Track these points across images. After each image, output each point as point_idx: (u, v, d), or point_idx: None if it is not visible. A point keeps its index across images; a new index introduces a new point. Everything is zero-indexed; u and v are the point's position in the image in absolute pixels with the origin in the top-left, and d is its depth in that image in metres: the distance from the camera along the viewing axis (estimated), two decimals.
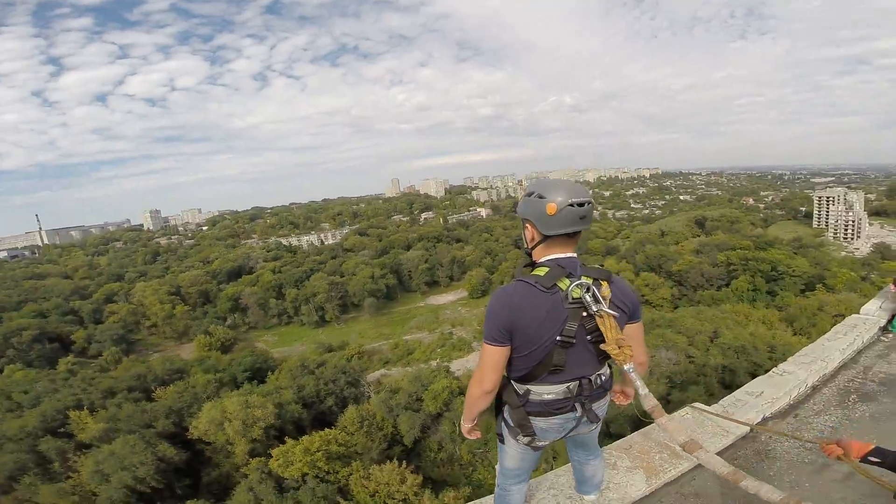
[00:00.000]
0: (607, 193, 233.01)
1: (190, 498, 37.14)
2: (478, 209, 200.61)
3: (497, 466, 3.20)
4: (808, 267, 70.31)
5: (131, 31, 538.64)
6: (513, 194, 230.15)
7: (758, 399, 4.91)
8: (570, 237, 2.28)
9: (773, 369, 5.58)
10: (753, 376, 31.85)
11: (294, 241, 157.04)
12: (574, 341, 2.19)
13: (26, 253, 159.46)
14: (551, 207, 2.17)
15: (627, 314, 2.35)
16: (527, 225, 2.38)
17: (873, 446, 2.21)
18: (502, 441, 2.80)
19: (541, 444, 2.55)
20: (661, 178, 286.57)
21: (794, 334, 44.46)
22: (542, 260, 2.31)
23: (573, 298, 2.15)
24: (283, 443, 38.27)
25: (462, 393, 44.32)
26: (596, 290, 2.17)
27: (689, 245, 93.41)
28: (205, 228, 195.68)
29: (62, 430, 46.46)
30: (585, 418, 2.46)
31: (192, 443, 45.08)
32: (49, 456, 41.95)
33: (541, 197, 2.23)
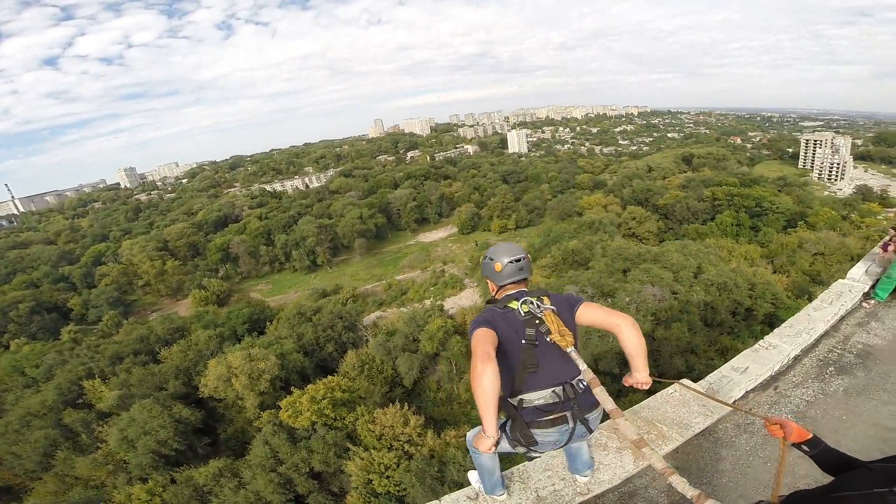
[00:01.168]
0: (595, 130, 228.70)
1: (211, 457, 38.83)
2: (465, 146, 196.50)
3: (481, 480, 3.82)
4: (791, 204, 70.40)
5: None
6: (499, 130, 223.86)
7: (742, 375, 5.10)
8: (517, 282, 3.10)
9: (759, 342, 5.65)
10: (734, 314, 36.81)
11: (278, 186, 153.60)
12: (537, 343, 2.73)
13: (3, 223, 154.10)
14: (498, 266, 3.08)
15: (568, 307, 2.98)
16: (487, 280, 3.23)
17: (811, 435, 2.33)
18: (498, 445, 2.71)
19: (536, 455, 3.11)
20: (650, 116, 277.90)
21: (774, 272, 44.42)
22: (500, 297, 3.05)
23: (524, 312, 2.82)
24: (290, 393, 39.42)
25: (457, 332, 45.10)
26: (538, 302, 2.87)
27: (675, 180, 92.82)
28: (184, 181, 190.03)
29: (80, 401, 47.89)
30: (582, 429, 2.82)
31: (204, 401, 46.31)
32: (75, 428, 43.33)
33: (491, 259, 3.14)
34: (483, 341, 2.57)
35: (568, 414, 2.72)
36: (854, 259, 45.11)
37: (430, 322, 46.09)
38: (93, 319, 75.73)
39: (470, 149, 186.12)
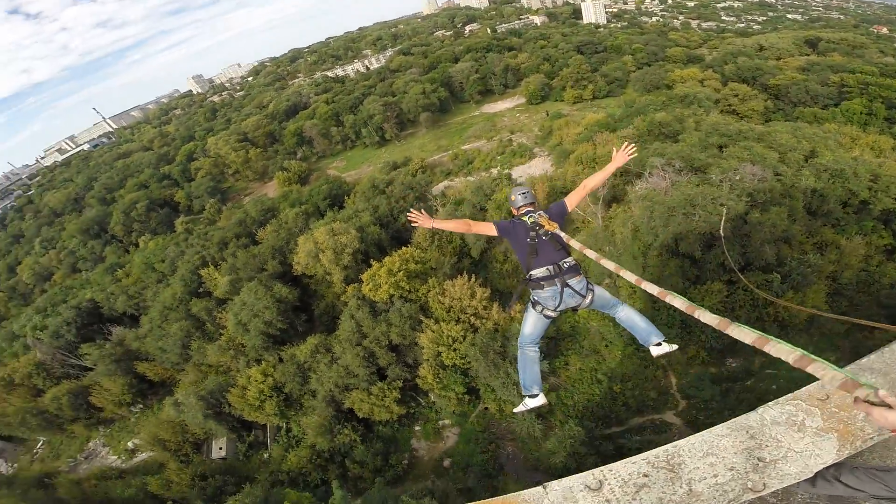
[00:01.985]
0: (692, 3, 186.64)
1: (308, 333, 42.89)
2: (530, 17, 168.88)
3: (519, 337, 4.99)
4: None
5: None
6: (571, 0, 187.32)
7: None
8: (526, 205, 5.12)
9: None
10: (845, 205, 29.72)
11: (339, 72, 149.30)
12: (537, 240, 4.55)
13: (103, 140, 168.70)
14: (513, 197, 5.18)
15: (557, 211, 4.99)
16: (510, 209, 5.29)
17: None
18: (527, 311, 4.78)
19: (548, 313, 4.62)
20: None
21: None
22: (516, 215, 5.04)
23: (529, 223, 4.69)
24: (370, 266, 41.21)
25: None
26: (536, 215, 4.73)
27: (793, 62, 74.48)
28: (250, 79, 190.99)
29: (201, 290, 53.36)
30: (568, 290, 4.45)
31: (298, 279, 50.12)
32: (201, 317, 48.63)
33: (509, 196, 5.24)
34: (483, 225, 4.96)
35: (556, 280, 4.44)
36: None
37: (498, 191, 43.89)
38: (197, 209, 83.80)
39: (537, 20, 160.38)
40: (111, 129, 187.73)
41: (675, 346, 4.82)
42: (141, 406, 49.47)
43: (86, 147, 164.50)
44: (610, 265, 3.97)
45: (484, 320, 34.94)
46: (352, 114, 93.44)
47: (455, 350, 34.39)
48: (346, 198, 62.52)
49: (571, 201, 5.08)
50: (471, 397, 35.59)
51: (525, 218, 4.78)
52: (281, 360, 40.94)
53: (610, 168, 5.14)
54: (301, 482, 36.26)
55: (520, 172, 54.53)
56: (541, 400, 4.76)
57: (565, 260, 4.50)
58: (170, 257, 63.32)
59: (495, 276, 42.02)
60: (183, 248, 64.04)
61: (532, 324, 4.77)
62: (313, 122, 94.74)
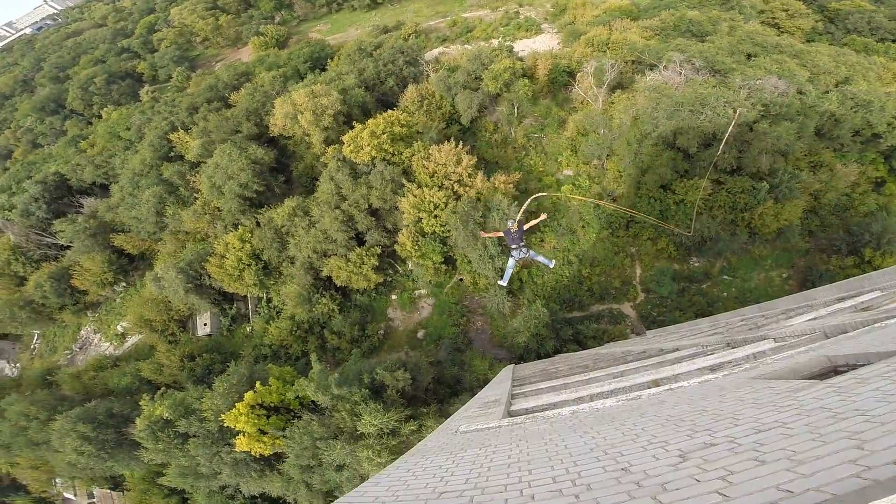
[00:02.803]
0: None
1: (286, 196, 40.88)
2: None
3: (506, 271, 17.45)
4: None
5: None
6: None
7: None
8: (514, 224, 16.59)
9: None
10: (855, 134, 33.08)
11: None
12: (517, 234, 16.21)
13: (48, 22, 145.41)
14: (508, 224, 16.76)
15: (520, 229, 16.49)
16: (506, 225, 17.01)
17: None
18: (510, 260, 17.04)
19: (517, 259, 16.61)
20: None
21: None
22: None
23: (514, 229, 16.35)
24: (352, 128, 38.20)
25: (525, 75, 39.58)
26: (514, 223, 16.50)
27: None
28: None
29: (171, 154, 50.28)
30: (524, 250, 16.33)
31: (275, 140, 47.25)
32: (173, 181, 46.19)
33: (506, 223, 17.31)
34: (497, 232, 19.69)
35: (523, 248, 16.23)
36: None
37: (497, 61, 39.74)
38: (164, 78, 75.67)
39: None
40: (56, 11, 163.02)
41: (552, 263, 17.31)
42: (124, 284, 48.77)
43: (28, 31, 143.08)
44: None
45: (468, 188, 33.26)
46: None
47: (436, 217, 33.12)
48: (328, 61, 57.00)
49: (521, 227, 16.24)
50: (447, 268, 35.22)
51: (512, 227, 16.01)
52: (258, 224, 39.53)
53: (531, 223, 17.56)
54: (283, 355, 37.09)
55: (522, 46, 49.36)
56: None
57: (523, 242, 16.13)
58: (136, 125, 58.75)
59: (483, 144, 39.65)
60: (150, 116, 59.12)
61: (511, 265, 16.98)
62: None
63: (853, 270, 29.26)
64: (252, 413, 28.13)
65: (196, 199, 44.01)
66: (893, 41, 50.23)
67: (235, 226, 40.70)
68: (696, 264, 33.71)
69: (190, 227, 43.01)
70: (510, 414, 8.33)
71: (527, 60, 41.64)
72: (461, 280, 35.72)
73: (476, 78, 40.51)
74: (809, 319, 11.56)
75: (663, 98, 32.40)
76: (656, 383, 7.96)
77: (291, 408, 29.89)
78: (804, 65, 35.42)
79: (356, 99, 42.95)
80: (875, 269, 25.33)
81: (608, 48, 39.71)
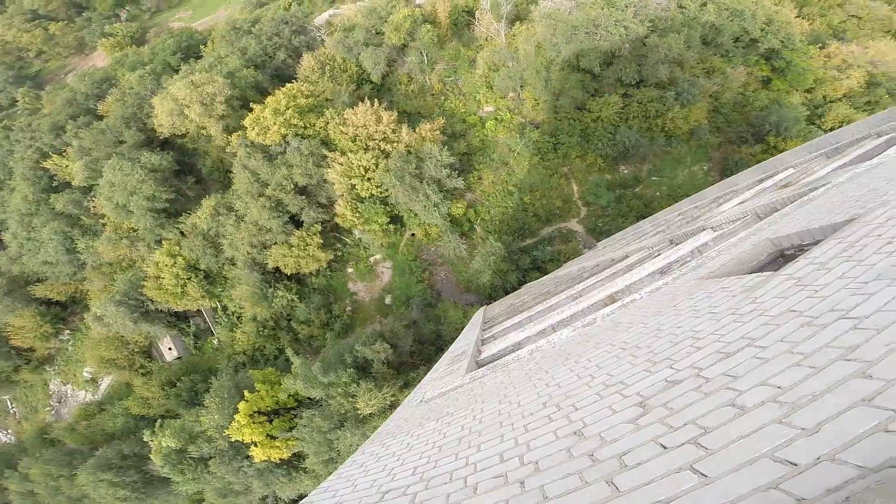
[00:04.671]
0: None
1: (203, 196, 36.43)
2: None
3: None
4: None
5: None
6: None
7: None
8: None
9: None
10: (736, 40, 36.05)
11: None
12: None
13: None
14: None
15: None
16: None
17: None
18: None
19: None
20: None
21: (799, 16, 38.53)
22: None
23: None
24: (251, 111, 34.04)
25: (427, 21, 37.45)
26: None
27: None
28: None
29: (56, 183, 43.30)
30: None
31: (169, 142, 41.29)
32: (71, 213, 40.15)
33: None
34: None
35: None
36: (890, 33, 39.49)
37: (395, 12, 37.04)
38: (7, 104, 62.87)
39: None
40: None
41: None
42: (68, 332, 44.30)
43: None
44: None
45: (395, 144, 31.07)
46: None
47: (369, 180, 30.66)
48: (202, 48, 50.04)
49: None
50: (396, 226, 33.17)
51: None
52: (183, 234, 35.27)
53: None
54: (259, 358, 34.99)
55: None
56: None
57: None
58: None
59: (401, 98, 37.11)
60: (9, 147, 49.81)
61: None
62: None
63: (763, 156, 31.60)
64: (253, 422, 27.19)
65: (104, 225, 38.95)
66: None
67: (159, 242, 36.22)
68: (626, 171, 34.79)
69: (110, 256, 38.17)
70: (478, 364, 7.72)
71: (425, 7, 39.52)
72: (413, 235, 33.91)
73: (377, 33, 37.59)
74: (739, 203, 11.50)
75: (559, 24, 32.46)
76: (612, 299, 7.30)
77: (289, 406, 28.90)
78: None
79: (246, 80, 38.20)
80: (781, 153, 27.71)
81: None
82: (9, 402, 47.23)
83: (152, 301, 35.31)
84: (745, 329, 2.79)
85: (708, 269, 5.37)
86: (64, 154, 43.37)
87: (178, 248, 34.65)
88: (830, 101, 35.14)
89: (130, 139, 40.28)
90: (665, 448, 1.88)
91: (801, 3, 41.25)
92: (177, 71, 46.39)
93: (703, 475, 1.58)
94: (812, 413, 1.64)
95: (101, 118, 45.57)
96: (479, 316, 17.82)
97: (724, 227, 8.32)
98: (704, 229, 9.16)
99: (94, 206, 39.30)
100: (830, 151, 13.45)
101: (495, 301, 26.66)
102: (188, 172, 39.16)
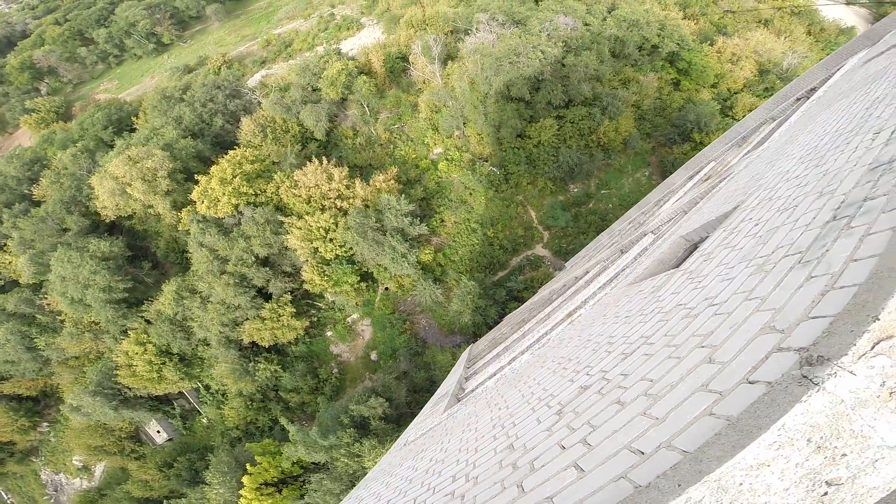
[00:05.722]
0: None
1: (162, 281, 34.54)
2: None
3: None
4: None
5: None
6: None
7: None
8: None
9: None
10: (640, 49, 38.46)
11: None
12: None
13: None
14: None
15: None
16: None
17: None
18: None
19: None
20: None
21: (685, 18, 41.41)
22: None
23: None
24: (197, 182, 32.45)
25: (363, 72, 37.10)
26: None
27: None
28: None
29: (1, 283, 40.44)
30: None
31: (116, 225, 39.04)
32: (24, 312, 37.43)
33: None
34: None
35: None
36: (762, 22, 42.89)
37: (329, 67, 36.34)
38: None
39: None
40: None
41: None
42: (46, 424, 41.97)
43: None
44: None
45: (351, 200, 30.40)
46: (103, 27, 66.94)
47: (331, 240, 29.81)
48: (133, 119, 47.15)
49: None
50: (367, 283, 32.43)
51: None
52: (148, 321, 33.45)
53: None
54: (254, 430, 33.71)
55: (350, 45, 45.94)
56: None
57: None
58: None
59: (349, 152, 36.26)
60: None
61: None
62: (45, 49, 66.62)
63: (692, 153, 32.97)
64: (262, 494, 26.57)
65: (63, 321, 36.38)
66: None
67: (125, 332, 34.17)
68: (576, 190, 35.44)
69: (75, 350, 36.02)
70: (458, 401, 7.84)
71: (359, 58, 38.92)
72: (386, 289, 33.19)
73: (314, 90, 36.73)
74: (674, 202, 11.80)
75: (485, 58, 33.06)
76: (570, 316, 7.31)
77: (296, 474, 28.13)
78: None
79: (187, 150, 36.34)
80: (705, 147, 29.06)
81: (427, 25, 39.02)
82: (3, 494, 45.07)
83: (129, 388, 33.63)
84: (644, 328, 2.86)
85: (635, 275, 5.44)
86: (5, 248, 40.20)
87: (145, 335, 32.79)
88: (735, 93, 37.15)
89: (74, 226, 37.53)
90: (563, 448, 2.03)
91: (683, 4, 44.05)
92: (111, 146, 43.73)
93: (582, 470, 1.70)
94: (666, 403, 1.70)
95: (37, 203, 42.38)
96: (465, 355, 17.69)
97: (661, 229, 8.39)
98: (646, 234, 9.27)
99: (47, 304, 36.63)
100: (739, 140, 14.24)
101: (480, 337, 26.63)
102: (142, 257, 36.87)
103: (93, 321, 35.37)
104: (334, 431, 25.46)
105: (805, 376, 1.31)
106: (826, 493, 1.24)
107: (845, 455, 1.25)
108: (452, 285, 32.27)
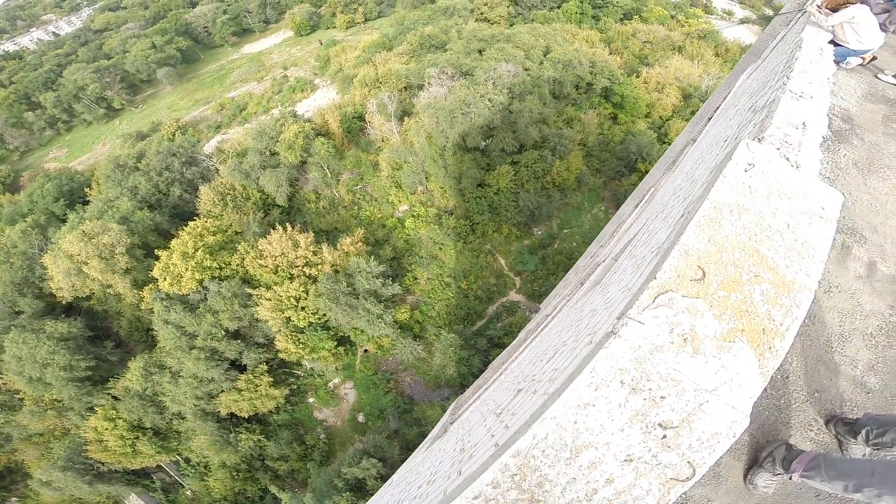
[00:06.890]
0: None
1: (127, 359, 32.26)
2: None
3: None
4: (628, 0, 62.31)
5: None
6: None
7: None
8: None
9: None
10: (577, 88, 40.41)
11: (10, 47, 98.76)
12: None
13: None
14: None
15: None
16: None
17: None
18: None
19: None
20: None
21: (611, 53, 43.39)
22: None
23: None
24: (157, 258, 30.73)
25: (320, 134, 36.45)
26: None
27: None
28: None
29: None
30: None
31: (74, 306, 36.26)
32: None
33: None
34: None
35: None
36: (676, 49, 46.27)
37: (285, 130, 35.74)
38: None
39: None
40: None
41: None
42: (16, 499, 36.68)
43: None
44: None
45: (319, 266, 29.55)
46: (51, 90, 63.97)
47: (303, 308, 28.76)
48: (86, 190, 44.49)
49: None
50: (345, 347, 31.29)
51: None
52: (116, 398, 30.93)
53: None
54: (244, 501, 31.37)
55: (306, 107, 45.49)
56: None
57: None
58: None
59: (313, 217, 35.40)
60: None
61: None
62: None
63: (640, 182, 34.34)
64: None
65: (22, 399, 33.46)
66: (558, 7, 61.64)
67: (91, 409, 31.36)
68: (539, 233, 35.92)
69: (38, 427, 33.05)
70: (439, 439, 8.30)
71: (316, 119, 38.50)
72: (366, 351, 32.13)
73: (272, 154, 35.88)
74: (624, 231, 12.32)
75: (439, 111, 33.40)
76: (527, 340, 7.78)
77: None
78: (517, 46, 39.82)
79: (144, 223, 34.46)
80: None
81: (380, 83, 39.16)
82: None
83: (102, 463, 30.73)
84: (563, 336, 3.27)
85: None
86: None
87: (114, 412, 30.22)
88: (667, 120, 39.22)
89: (28, 308, 34.57)
90: (493, 436, 2.37)
91: (606, 41, 46.74)
92: (64, 220, 40.90)
93: (497, 445, 1.92)
94: (557, 382, 1.98)
95: None
96: (453, 405, 17.55)
97: (608, 258, 8.68)
98: (599, 265, 9.32)
99: (3, 384, 33.69)
100: (670, 164, 14.79)
101: (468, 388, 26.09)
102: (104, 337, 34.33)
103: (55, 399, 32.61)
104: (329, 496, 24.48)
105: (612, 331, 1.56)
106: (665, 437, 1.35)
107: (664, 397, 1.39)
108: (433, 340, 31.63)
